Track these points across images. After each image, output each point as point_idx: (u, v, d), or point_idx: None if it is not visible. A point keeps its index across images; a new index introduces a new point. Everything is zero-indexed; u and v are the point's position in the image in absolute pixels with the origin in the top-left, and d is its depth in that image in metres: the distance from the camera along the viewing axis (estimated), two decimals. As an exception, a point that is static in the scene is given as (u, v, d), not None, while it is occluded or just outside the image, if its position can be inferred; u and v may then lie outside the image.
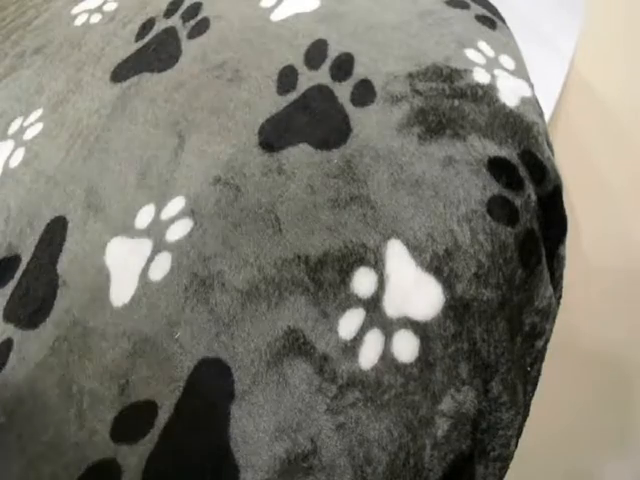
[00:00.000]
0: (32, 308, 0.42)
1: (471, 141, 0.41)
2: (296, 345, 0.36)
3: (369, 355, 0.36)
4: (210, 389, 0.36)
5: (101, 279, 0.40)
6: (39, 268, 0.43)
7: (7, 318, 0.42)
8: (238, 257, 0.39)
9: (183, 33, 0.52)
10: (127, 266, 0.41)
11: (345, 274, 0.38)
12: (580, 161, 0.59)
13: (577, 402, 0.54)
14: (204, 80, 0.47)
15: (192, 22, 0.53)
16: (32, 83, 0.54)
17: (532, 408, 0.43)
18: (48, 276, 0.42)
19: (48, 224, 0.45)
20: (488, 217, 0.39)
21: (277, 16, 0.51)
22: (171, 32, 0.53)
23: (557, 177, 0.43)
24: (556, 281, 0.43)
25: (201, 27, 0.52)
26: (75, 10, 0.59)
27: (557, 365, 0.50)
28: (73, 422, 0.37)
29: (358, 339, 0.36)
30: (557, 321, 0.43)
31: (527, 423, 0.43)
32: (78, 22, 0.58)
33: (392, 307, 0.37)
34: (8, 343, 0.41)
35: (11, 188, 0.49)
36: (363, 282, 0.38)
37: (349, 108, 0.44)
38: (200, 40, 0.51)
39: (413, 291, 0.38)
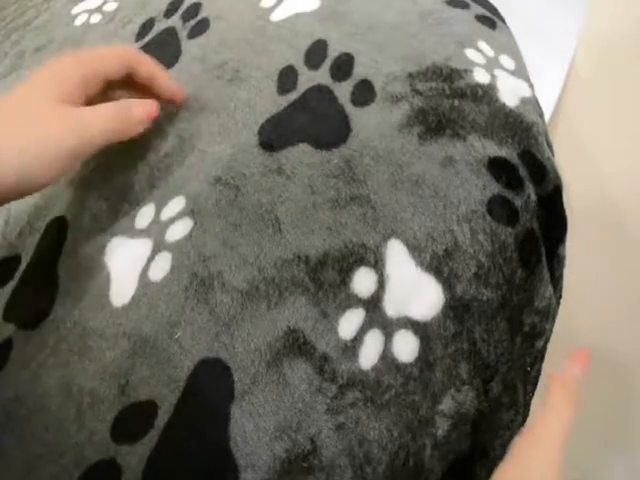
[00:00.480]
0: (32, 308, 0.42)
1: (471, 141, 0.41)
2: (296, 345, 0.36)
3: (369, 355, 0.36)
4: (210, 389, 0.35)
5: (101, 279, 0.40)
6: (39, 268, 0.43)
7: (7, 318, 0.42)
8: (238, 257, 0.39)
9: (183, 33, 0.52)
10: (127, 266, 0.40)
11: (345, 274, 0.38)
12: (580, 161, 0.59)
13: (576, 401, 0.54)
14: (204, 80, 0.47)
15: (192, 22, 0.53)
16: (32, 83, 0.54)
17: (532, 408, 0.43)
18: (48, 276, 0.42)
19: (48, 224, 0.45)
20: (488, 217, 0.39)
21: (277, 16, 0.51)
22: (171, 32, 0.53)
23: (557, 177, 0.43)
24: (556, 281, 0.43)
25: (201, 27, 0.52)
26: (75, 10, 0.59)
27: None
28: (73, 422, 0.36)
29: (358, 339, 0.36)
30: (557, 321, 0.43)
31: (528, 422, 0.43)
32: (78, 22, 0.58)
33: (392, 307, 0.37)
34: (8, 343, 0.41)
35: None
36: (363, 282, 0.37)
37: (349, 108, 0.44)
38: (200, 40, 0.51)
39: (413, 291, 0.37)
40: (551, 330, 0.42)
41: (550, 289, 0.41)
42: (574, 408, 0.36)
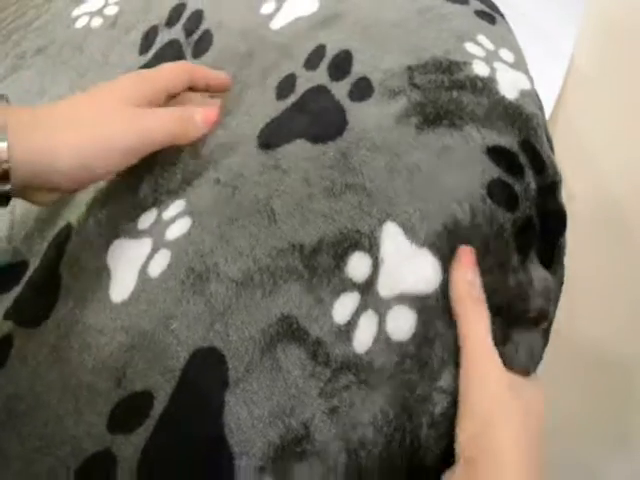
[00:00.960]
0: (35, 309, 0.42)
1: (469, 131, 0.41)
2: (290, 331, 0.36)
3: (363, 338, 0.36)
4: (205, 378, 0.35)
5: (102, 278, 0.40)
6: (43, 271, 0.44)
7: (6, 316, 0.42)
8: (234, 249, 0.39)
9: (188, 50, 0.53)
10: (127, 264, 0.41)
11: (340, 259, 0.37)
12: (580, 158, 0.59)
13: (578, 400, 0.54)
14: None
15: (195, 37, 0.53)
16: (34, 84, 0.55)
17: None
18: (52, 278, 0.43)
19: (57, 232, 0.45)
20: (488, 200, 0.39)
21: (278, 23, 0.51)
22: (176, 47, 0.53)
23: (556, 172, 0.43)
24: (556, 267, 0.43)
25: (205, 43, 0.52)
26: (76, 12, 0.60)
27: (557, 364, 0.50)
28: (71, 416, 0.36)
29: (352, 323, 0.36)
30: (557, 321, 0.43)
31: None
32: (79, 24, 0.58)
33: (387, 288, 0.37)
34: (8, 340, 0.41)
35: None
36: (357, 267, 0.37)
37: (346, 103, 0.44)
38: (204, 59, 0.51)
39: (408, 268, 0.37)
40: (554, 312, 0.41)
41: (545, 272, 0.41)
42: (484, 309, 0.36)
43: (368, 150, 0.41)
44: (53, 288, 0.42)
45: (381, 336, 0.36)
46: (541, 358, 0.41)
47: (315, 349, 0.35)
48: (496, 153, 0.41)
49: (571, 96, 0.60)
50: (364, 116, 0.43)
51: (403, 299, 0.36)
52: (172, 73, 0.43)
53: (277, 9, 0.52)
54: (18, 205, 0.48)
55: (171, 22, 0.55)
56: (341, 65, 0.46)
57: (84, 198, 0.46)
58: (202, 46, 0.52)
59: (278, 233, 0.39)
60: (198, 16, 0.54)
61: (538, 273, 0.41)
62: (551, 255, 0.43)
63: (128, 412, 0.35)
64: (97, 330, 0.38)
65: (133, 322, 0.38)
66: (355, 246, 0.38)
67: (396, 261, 0.37)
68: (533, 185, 0.41)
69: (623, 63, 0.56)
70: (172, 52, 0.53)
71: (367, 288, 0.37)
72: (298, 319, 0.36)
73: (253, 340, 0.36)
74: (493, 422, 0.33)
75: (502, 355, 0.37)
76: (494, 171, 0.40)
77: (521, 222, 0.40)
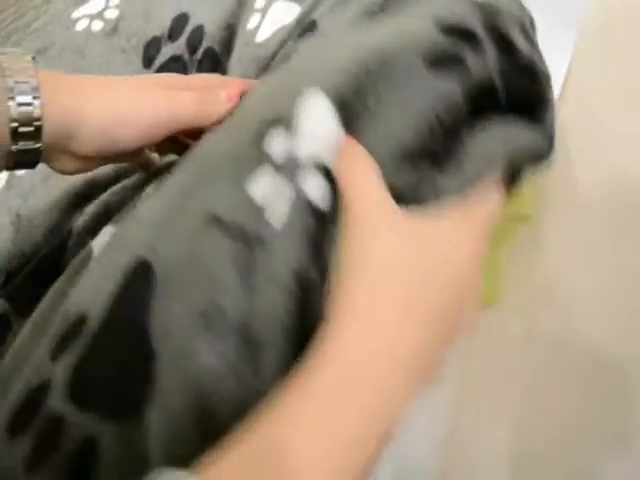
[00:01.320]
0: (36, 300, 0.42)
1: (421, 12, 0.40)
2: (213, 225, 0.35)
3: (281, 208, 0.34)
4: (133, 290, 0.35)
5: (85, 258, 0.40)
6: (46, 265, 0.45)
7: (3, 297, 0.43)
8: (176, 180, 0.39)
9: (192, 70, 0.54)
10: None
11: (260, 139, 0.36)
12: (593, 135, 0.57)
13: (576, 401, 0.52)
14: None
15: (198, 54, 0.54)
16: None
17: (532, 408, 0.41)
18: (55, 272, 0.43)
19: (62, 237, 0.46)
20: (424, 69, 0.37)
21: (263, 34, 0.52)
22: (180, 63, 0.54)
23: (533, 62, 0.40)
24: (540, 116, 0.41)
25: (208, 62, 0.54)
26: (75, 14, 0.60)
27: (557, 365, 0.48)
28: (30, 365, 0.36)
29: (269, 196, 0.35)
30: (555, 320, 0.42)
31: (528, 423, 0.42)
32: (79, 27, 0.59)
33: (305, 155, 0.35)
34: (7, 322, 0.42)
35: (20, 194, 0.50)
36: (275, 143, 0.36)
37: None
38: None
39: (326, 133, 0.36)
40: (549, 155, 0.41)
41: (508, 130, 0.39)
42: (367, 169, 0.34)
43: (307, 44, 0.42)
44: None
45: (297, 201, 0.34)
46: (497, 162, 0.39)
47: (234, 232, 0.34)
48: (447, 25, 0.38)
49: (582, 67, 0.58)
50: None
51: (319, 164, 0.35)
52: (202, 81, 0.45)
53: (260, 22, 0.53)
54: (24, 210, 0.49)
55: (173, 35, 0.56)
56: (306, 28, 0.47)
57: (91, 208, 0.47)
58: (208, 66, 0.54)
59: (215, 151, 0.39)
60: (199, 32, 0.55)
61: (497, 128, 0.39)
62: (539, 109, 0.41)
63: (64, 337, 0.35)
64: (74, 303, 0.37)
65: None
66: (274, 124, 0.36)
67: (314, 127, 0.36)
68: (492, 56, 0.38)
69: (632, 33, 0.55)
70: (176, 68, 0.54)
71: (284, 160, 0.35)
72: (220, 212, 0.35)
73: (180, 248, 0.35)
74: (349, 274, 0.31)
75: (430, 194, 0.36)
76: (442, 43, 0.38)
77: (476, 91, 0.37)
